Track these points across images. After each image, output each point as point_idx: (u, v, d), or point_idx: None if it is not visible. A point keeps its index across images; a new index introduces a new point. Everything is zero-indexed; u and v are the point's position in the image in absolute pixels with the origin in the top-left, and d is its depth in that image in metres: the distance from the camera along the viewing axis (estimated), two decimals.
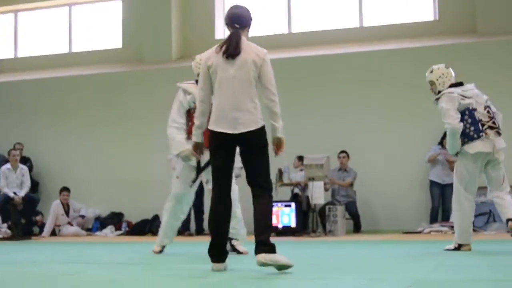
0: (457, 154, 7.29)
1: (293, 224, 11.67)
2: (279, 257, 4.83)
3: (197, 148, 5.36)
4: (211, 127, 5.08)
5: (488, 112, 7.24)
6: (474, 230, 11.16)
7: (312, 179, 11.34)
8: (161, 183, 13.30)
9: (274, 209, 11.83)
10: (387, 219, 12.47)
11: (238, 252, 7.00)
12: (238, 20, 5.33)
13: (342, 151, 12.51)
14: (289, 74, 13.28)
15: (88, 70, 15.18)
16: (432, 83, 7.50)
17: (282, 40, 14.32)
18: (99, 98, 14.61)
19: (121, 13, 15.49)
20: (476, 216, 11.57)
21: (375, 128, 12.74)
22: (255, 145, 5.09)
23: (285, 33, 14.55)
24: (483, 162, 7.23)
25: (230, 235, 5.84)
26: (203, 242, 9.31)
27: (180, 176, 7.39)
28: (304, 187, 11.78)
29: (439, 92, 7.35)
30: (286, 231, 11.65)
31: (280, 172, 12.18)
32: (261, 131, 5.10)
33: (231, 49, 5.13)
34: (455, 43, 12.87)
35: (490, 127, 7.20)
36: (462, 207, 7.38)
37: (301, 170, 12.06)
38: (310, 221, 11.65)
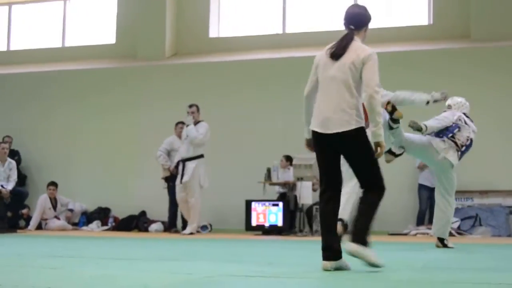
0: None
1: (280, 223, 11.65)
2: (367, 251, 4.85)
3: (307, 145, 5.24)
4: (311, 125, 5.06)
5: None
6: (460, 233, 11.28)
7: (300, 179, 11.32)
8: (149, 180, 13.31)
9: (261, 208, 11.80)
10: (375, 221, 12.41)
11: None
12: (353, 21, 5.27)
13: None
14: (282, 73, 13.28)
15: (81, 65, 15.10)
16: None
17: (276, 40, 14.28)
18: (91, 93, 14.55)
19: (115, 9, 15.41)
20: (462, 219, 11.63)
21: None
22: (350, 146, 4.96)
23: (279, 33, 14.50)
24: None
25: None
26: (188, 240, 9.28)
27: None
28: (292, 187, 11.74)
29: None
30: (272, 230, 11.63)
31: (269, 172, 12.16)
32: (356, 132, 4.89)
33: (337, 49, 5.09)
34: (448, 48, 12.87)
35: None
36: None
37: (288, 169, 12.04)
38: (297, 220, 11.62)
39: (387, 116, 7.60)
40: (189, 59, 14.50)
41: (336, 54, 5.05)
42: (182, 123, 11.93)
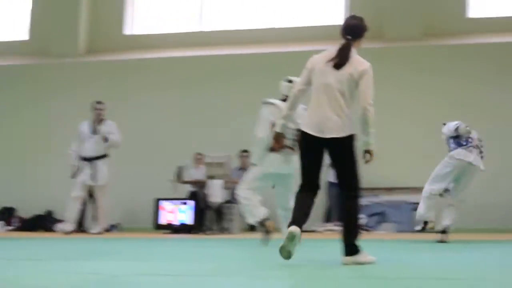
0: None
1: (189, 221, 11.64)
2: (360, 257, 5.21)
3: (276, 138, 5.86)
4: (302, 126, 5.37)
5: None
6: (366, 230, 11.54)
7: (212, 177, 11.33)
8: (55, 179, 13.03)
9: (171, 207, 11.76)
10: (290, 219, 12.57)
11: None
12: (351, 32, 5.53)
13: (244, 151, 12.54)
14: (197, 71, 13.30)
15: None
16: None
17: (192, 38, 14.23)
18: (2, 89, 14.15)
19: (29, 4, 15.06)
20: (369, 216, 11.92)
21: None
22: (341, 151, 5.30)
23: (195, 31, 14.43)
24: None
25: None
26: (96, 239, 9.12)
27: None
28: (203, 185, 11.72)
29: None
30: (182, 229, 11.60)
31: (180, 170, 12.10)
32: (349, 138, 5.26)
33: (339, 59, 5.36)
34: (362, 48, 13.11)
35: None
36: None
37: (199, 167, 12.04)
38: (206, 219, 11.61)
39: None
40: (103, 57, 14.31)
41: (339, 64, 5.35)
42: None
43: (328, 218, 12.24)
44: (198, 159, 12.19)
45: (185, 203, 11.78)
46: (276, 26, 14.10)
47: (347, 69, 5.32)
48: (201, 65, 13.51)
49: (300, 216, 5.39)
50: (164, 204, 11.82)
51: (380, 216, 12.04)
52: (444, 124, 8.91)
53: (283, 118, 5.62)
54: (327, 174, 12.44)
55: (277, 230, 7.85)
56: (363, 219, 11.77)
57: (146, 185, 12.98)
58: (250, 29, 14.11)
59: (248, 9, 14.40)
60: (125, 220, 12.62)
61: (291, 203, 6.93)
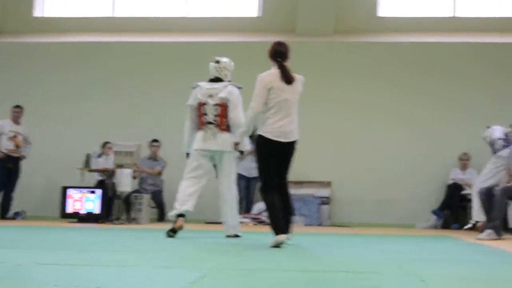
0: None
1: (97, 210, 11.48)
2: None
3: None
4: (266, 135, 6.47)
5: None
6: None
7: (121, 166, 11.19)
8: None
9: (78, 195, 11.57)
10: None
11: None
12: (281, 56, 6.78)
13: (155, 140, 12.49)
14: (108, 57, 13.12)
15: None
16: None
17: (104, 23, 14.00)
18: None
19: None
20: None
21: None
22: (292, 151, 6.66)
23: (108, 16, 14.17)
24: None
25: None
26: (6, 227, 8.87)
27: None
28: (112, 174, 11.58)
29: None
30: (89, 218, 11.43)
31: (88, 158, 11.91)
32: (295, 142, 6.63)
33: (291, 78, 6.64)
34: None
35: None
36: None
37: (108, 156, 11.89)
38: (114, 208, 11.48)
39: None
40: (12, 38, 13.88)
41: (290, 81, 6.61)
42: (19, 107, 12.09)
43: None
44: (108, 147, 12.02)
45: (93, 192, 11.61)
46: (190, 16, 14.04)
47: (296, 85, 6.65)
48: (112, 51, 13.32)
49: (283, 222, 6.45)
50: (71, 192, 11.61)
51: None
52: (489, 127, 9.57)
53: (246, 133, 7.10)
54: (238, 166, 12.55)
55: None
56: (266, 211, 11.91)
57: (53, 172, 12.74)
58: (162, 17, 14.02)
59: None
60: (33, 209, 12.35)
61: (231, 194, 7.85)
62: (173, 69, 13.05)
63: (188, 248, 6.38)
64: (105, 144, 12.09)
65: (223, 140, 7.68)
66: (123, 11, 14.27)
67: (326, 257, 5.58)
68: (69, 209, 11.56)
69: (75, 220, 11.49)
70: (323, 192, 12.56)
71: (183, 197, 7.73)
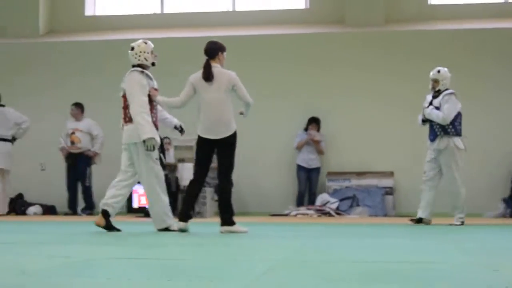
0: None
1: None
2: (235, 227, 7.02)
3: None
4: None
5: None
6: (338, 213, 11.65)
7: (182, 160, 11.31)
8: (25, 161, 12.95)
9: (142, 190, 11.71)
10: (256, 202, 12.65)
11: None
12: (206, 53, 7.42)
13: None
14: (161, 54, 13.15)
15: None
16: (436, 81, 8.87)
17: (154, 20, 14.15)
18: None
19: None
20: (341, 200, 12.01)
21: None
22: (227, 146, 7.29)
23: (157, 13, 14.36)
24: None
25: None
26: (67, 222, 9.08)
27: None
28: (174, 169, 11.72)
29: (439, 90, 8.85)
30: None
31: None
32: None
33: (208, 74, 7.24)
34: (324, 32, 13.16)
35: None
36: (462, 191, 8.87)
37: (168, 150, 12.03)
38: (178, 202, 11.61)
39: None
40: (64, 38, 14.14)
41: (210, 78, 7.21)
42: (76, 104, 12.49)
43: (300, 202, 12.33)
44: (167, 143, 12.17)
45: None
46: (238, 10, 14.07)
47: (218, 82, 7.19)
48: (166, 47, 13.43)
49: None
50: (136, 188, 11.78)
51: (351, 200, 12.14)
52: None
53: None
54: (297, 157, 12.54)
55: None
56: (334, 202, 11.87)
57: (118, 169, 12.94)
58: (210, 12, 14.09)
59: None
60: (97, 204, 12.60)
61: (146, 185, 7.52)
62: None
63: (252, 240, 6.41)
64: (165, 139, 12.22)
65: (129, 132, 7.35)
66: (171, 8, 14.40)
67: (393, 247, 5.54)
68: (135, 204, 11.74)
69: (142, 214, 11.66)
70: (386, 182, 12.45)
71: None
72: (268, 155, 12.71)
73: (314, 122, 12.54)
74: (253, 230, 7.77)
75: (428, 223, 9.02)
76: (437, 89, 8.86)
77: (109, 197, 7.36)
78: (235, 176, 12.44)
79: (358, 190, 12.21)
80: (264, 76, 12.82)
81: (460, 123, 8.91)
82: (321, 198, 12.08)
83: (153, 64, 7.75)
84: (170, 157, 11.86)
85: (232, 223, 7.07)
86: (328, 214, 11.62)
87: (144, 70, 7.54)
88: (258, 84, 12.80)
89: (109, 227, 7.29)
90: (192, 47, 13.34)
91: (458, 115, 8.88)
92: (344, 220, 10.82)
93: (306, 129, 12.51)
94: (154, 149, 7.24)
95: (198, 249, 5.43)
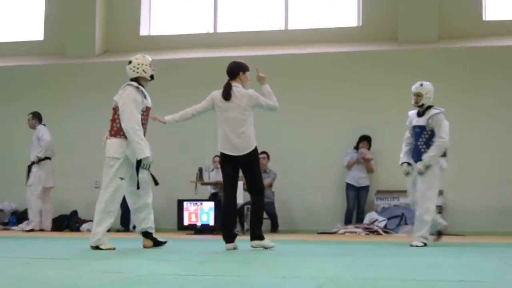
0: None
1: (211, 222, 11.66)
2: (265, 242, 7.20)
3: None
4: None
5: None
6: (386, 232, 11.53)
7: None
8: (79, 179, 13.16)
9: (193, 208, 11.81)
10: (304, 220, 12.61)
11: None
12: (227, 74, 7.64)
13: (263, 152, 12.57)
14: (213, 72, 13.27)
15: (7, 62, 14.75)
16: (419, 95, 8.30)
17: (207, 39, 14.29)
18: (19, 90, 14.21)
19: (43, 4, 15.14)
20: (389, 218, 11.90)
21: (295, 130, 12.84)
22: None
23: (210, 32, 14.50)
24: None
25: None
26: (119, 239, 9.15)
27: (126, 177, 7.17)
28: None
29: (422, 105, 8.29)
30: (205, 229, 11.64)
31: (201, 171, 12.13)
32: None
33: (226, 93, 7.40)
34: (377, 50, 13.09)
35: None
36: (434, 209, 8.37)
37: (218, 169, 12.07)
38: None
39: None
40: (119, 57, 14.36)
41: (228, 98, 7.37)
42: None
43: (348, 220, 12.24)
44: (217, 161, 12.22)
45: (206, 205, 11.82)
46: (290, 28, 14.12)
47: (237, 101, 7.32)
48: (219, 65, 13.49)
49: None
50: (187, 205, 11.89)
51: (399, 219, 12.01)
52: None
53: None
54: (346, 175, 12.47)
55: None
56: (383, 221, 11.76)
57: (167, 185, 13.02)
58: (262, 30, 14.15)
59: (261, 11, 14.43)
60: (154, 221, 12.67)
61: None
62: (276, 82, 13.08)
63: (301, 258, 6.40)
64: (215, 157, 12.31)
65: (109, 145, 7.20)
66: (224, 27, 14.53)
67: (441, 265, 5.47)
68: (186, 221, 11.82)
69: (192, 232, 11.74)
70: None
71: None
72: (317, 173, 12.66)
73: (365, 140, 12.47)
74: (302, 247, 7.76)
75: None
76: (420, 103, 8.29)
77: (141, 222, 7.61)
78: (283, 194, 12.60)
79: (407, 209, 12.06)
80: (315, 94, 12.82)
81: None
82: (369, 216, 11.98)
83: (151, 77, 7.64)
84: (220, 175, 11.87)
85: (263, 237, 7.26)
86: (376, 232, 11.51)
87: (140, 87, 7.36)
88: (309, 102, 12.83)
89: (157, 243, 7.57)
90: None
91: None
92: (392, 238, 10.70)
93: (356, 147, 12.44)
94: (149, 168, 7.33)
95: (247, 266, 5.44)
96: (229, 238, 7.27)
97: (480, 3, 13.25)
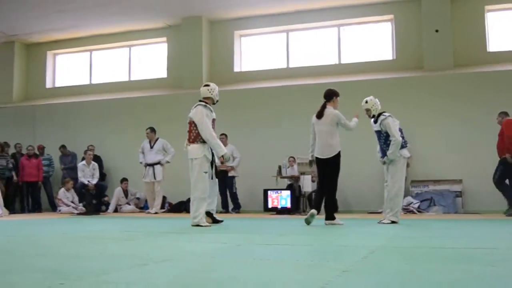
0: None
1: (288, 205, 11.65)
2: (335, 221, 7.30)
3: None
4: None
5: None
6: (419, 211, 11.22)
7: (303, 173, 11.34)
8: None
9: (275, 195, 11.81)
10: (357, 203, 12.41)
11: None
12: (324, 97, 7.64)
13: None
14: (287, 98, 13.32)
15: (141, 93, 15.16)
16: (367, 109, 7.89)
17: (282, 73, 14.31)
18: (150, 115, 14.53)
19: (165, 51, 15.49)
20: (421, 201, 11.57)
21: (351, 138, 12.67)
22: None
23: (283, 67, 14.50)
24: None
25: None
26: (222, 217, 9.26)
27: (208, 171, 7.26)
28: (297, 179, 11.74)
29: (374, 116, 7.86)
30: (283, 211, 11.63)
31: (280, 168, 12.16)
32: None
33: (317, 114, 7.52)
34: (407, 77, 12.83)
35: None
36: (402, 194, 7.84)
37: (293, 166, 12.04)
38: (301, 204, 11.64)
39: None
40: (220, 88, 14.47)
41: (319, 116, 7.49)
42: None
43: None
44: (291, 160, 12.22)
45: (285, 192, 11.81)
46: (343, 62, 13.97)
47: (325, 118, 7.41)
48: (292, 92, 13.51)
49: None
50: (270, 193, 11.91)
51: (429, 201, 11.69)
52: None
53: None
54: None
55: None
56: (416, 203, 11.45)
57: (257, 179, 13.09)
58: (322, 65, 14.05)
59: (320, 50, 14.32)
60: (243, 204, 12.75)
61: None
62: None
63: (356, 231, 6.31)
64: (290, 158, 12.30)
65: (191, 150, 7.22)
66: (294, 63, 14.46)
67: (464, 236, 5.30)
68: (269, 204, 11.84)
69: (274, 212, 11.75)
70: (456, 187, 11.88)
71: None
72: (366, 166, 12.45)
73: None
74: (356, 224, 7.64)
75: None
76: (371, 115, 7.84)
77: (208, 205, 7.38)
78: (342, 184, 12.38)
79: (435, 194, 11.74)
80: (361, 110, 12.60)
81: (403, 137, 7.85)
82: (406, 200, 11.68)
83: (217, 101, 7.63)
84: (294, 171, 11.88)
85: (333, 217, 7.32)
86: (411, 212, 11.23)
87: (207, 105, 7.35)
88: (361, 117, 12.61)
89: (215, 221, 7.49)
90: (310, 91, 13.43)
91: (400, 131, 7.80)
92: (424, 216, 10.42)
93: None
94: (229, 160, 7.42)
95: (317, 237, 5.40)
96: (316, 207, 7.37)
97: (484, 38, 12.79)
